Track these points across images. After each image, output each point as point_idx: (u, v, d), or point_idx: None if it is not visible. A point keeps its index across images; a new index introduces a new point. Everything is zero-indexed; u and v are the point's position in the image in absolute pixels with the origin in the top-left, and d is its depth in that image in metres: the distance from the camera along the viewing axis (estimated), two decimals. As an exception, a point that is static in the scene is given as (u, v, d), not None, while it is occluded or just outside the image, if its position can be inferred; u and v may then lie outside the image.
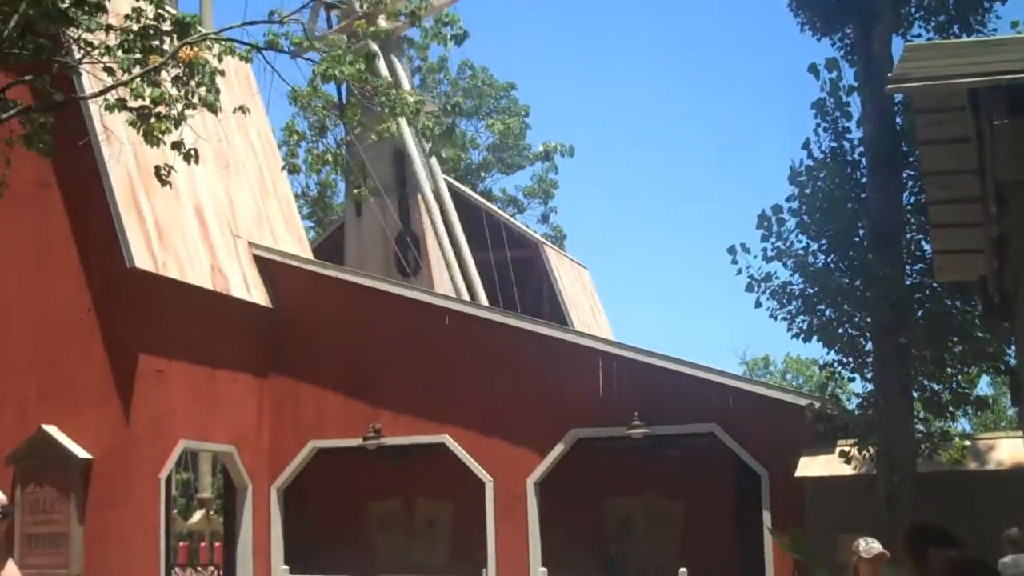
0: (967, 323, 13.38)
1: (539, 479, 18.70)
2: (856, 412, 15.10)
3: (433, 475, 20.37)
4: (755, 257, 13.95)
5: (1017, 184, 6.15)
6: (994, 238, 7.02)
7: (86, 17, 10.78)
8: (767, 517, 17.37)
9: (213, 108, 11.45)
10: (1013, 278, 6.57)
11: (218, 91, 11.51)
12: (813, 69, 14.23)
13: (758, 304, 13.98)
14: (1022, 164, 6.04)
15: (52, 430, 17.17)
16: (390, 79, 13.86)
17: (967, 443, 16.09)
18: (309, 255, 21.92)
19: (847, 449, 15.12)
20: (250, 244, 20.01)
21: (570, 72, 74.84)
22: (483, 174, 42.03)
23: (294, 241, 21.65)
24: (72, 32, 11.48)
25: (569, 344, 18.98)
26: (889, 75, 6.27)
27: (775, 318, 13.92)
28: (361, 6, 11.51)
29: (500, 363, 19.18)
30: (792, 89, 72.53)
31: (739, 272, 13.96)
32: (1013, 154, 6.01)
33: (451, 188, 27.07)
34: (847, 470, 15.59)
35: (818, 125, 14.30)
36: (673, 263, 78.03)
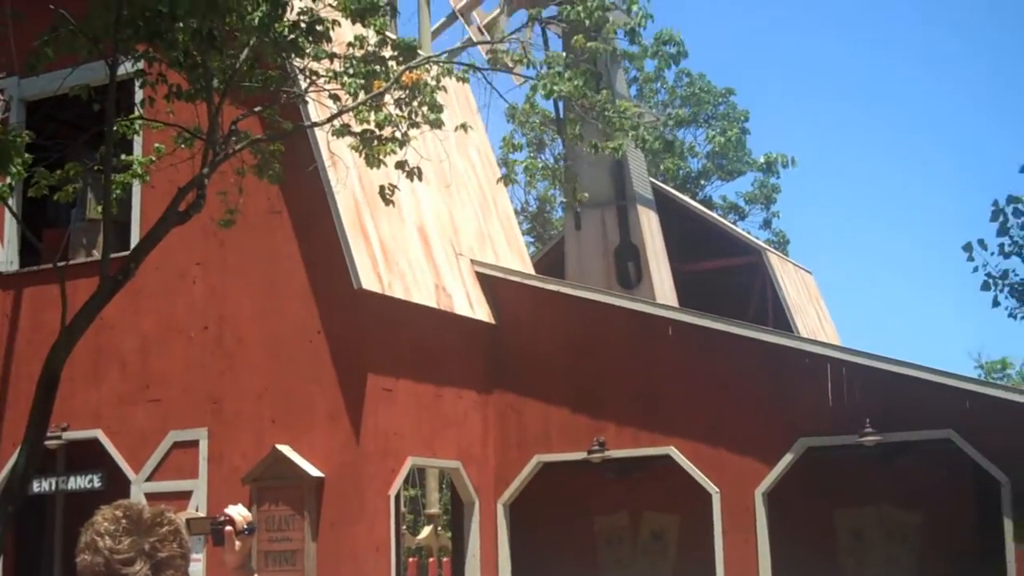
0: None
1: (767, 490, 18.38)
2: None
3: (659, 488, 20.25)
4: (992, 254, 13.47)
5: None
6: None
7: (312, 46, 11.12)
8: (1009, 526, 16.71)
9: (437, 125, 11.65)
10: None
11: (441, 108, 11.71)
12: None
13: (996, 303, 13.50)
14: None
15: (286, 449, 17.65)
16: (608, 93, 13.86)
17: None
18: (530, 270, 22.08)
19: (1095, 453, 14.48)
20: (472, 261, 20.27)
21: (792, 73, 73.81)
22: (703, 182, 41.76)
23: (515, 257, 21.84)
24: (298, 62, 11.84)
25: (794, 351, 18.63)
26: None
27: (1015, 317, 13.41)
28: (583, 22, 11.53)
29: (724, 372, 18.96)
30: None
31: (975, 270, 13.50)
32: None
33: (670, 197, 26.95)
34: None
35: None
36: (902, 264, 76.11)
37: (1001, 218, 13.45)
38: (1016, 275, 13.50)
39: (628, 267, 25.04)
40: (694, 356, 19.17)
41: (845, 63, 75.39)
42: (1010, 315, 13.43)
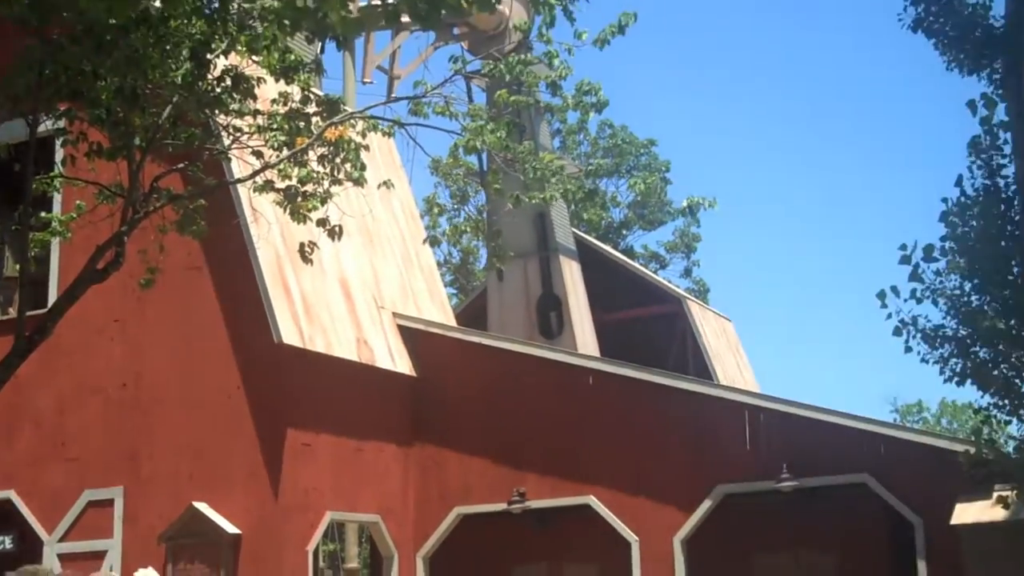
0: None
1: (686, 537, 18.57)
2: (1014, 456, 14.77)
3: (579, 537, 20.31)
4: (905, 300, 13.77)
5: None
6: None
7: (236, 103, 11.19)
8: (922, 567, 17.03)
9: (359, 183, 11.76)
10: None
11: (364, 166, 11.83)
12: (971, 105, 14.11)
13: (908, 348, 13.79)
14: None
15: (202, 507, 17.53)
16: (530, 145, 14.08)
17: None
18: (452, 322, 22.21)
19: (1005, 495, 14.80)
20: (394, 314, 20.34)
21: (710, 124, 74.83)
22: (624, 232, 42.24)
23: (438, 309, 21.95)
24: (222, 119, 11.90)
25: (714, 398, 18.90)
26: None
27: (927, 362, 13.70)
28: (504, 77, 11.75)
29: (644, 421, 19.16)
30: (936, 130, 71.58)
31: (889, 316, 13.79)
32: None
33: (592, 248, 27.24)
34: (1008, 516, 15.26)
35: (972, 163, 14.14)
36: (820, 311, 77.19)
37: (907, 260, 13.76)
38: (928, 321, 13.80)
39: (550, 317, 25.22)
40: (614, 405, 19.35)
41: (765, 111, 76.79)
42: (922, 360, 13.73)
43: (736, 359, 32.58)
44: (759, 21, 73.83)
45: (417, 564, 19.87)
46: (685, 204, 39.80)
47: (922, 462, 17.19)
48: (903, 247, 13.78)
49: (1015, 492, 14.40)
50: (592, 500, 19.09)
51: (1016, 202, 13.78)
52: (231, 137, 12.05)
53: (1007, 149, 13.96)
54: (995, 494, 15.26)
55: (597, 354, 23.57)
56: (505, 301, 25.41)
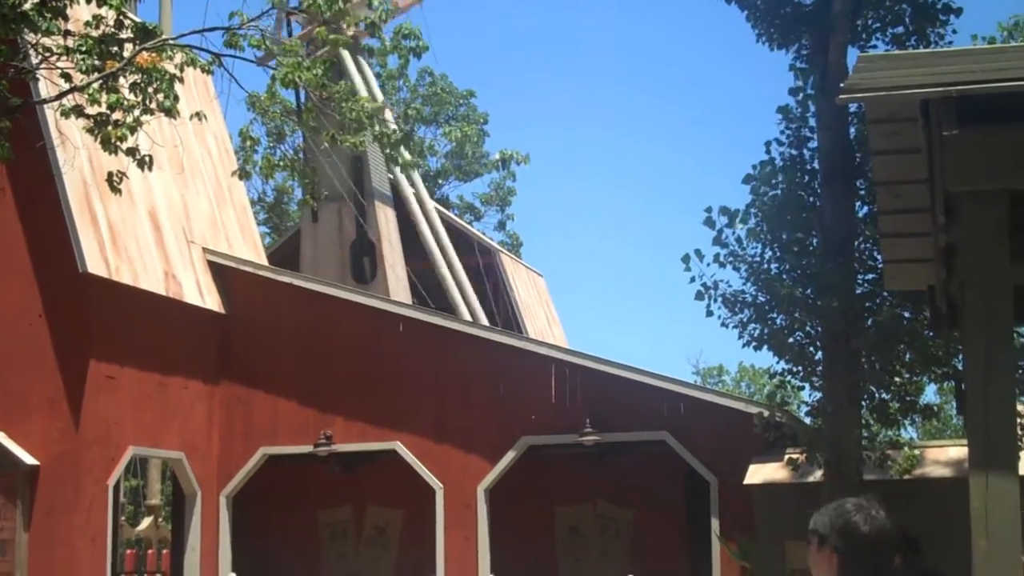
0: (916, 332, 13.58)
1: (489, 486, 18.79)
2: (805, 420, 15.29)
3: (384, 482, 20.41)
4: (708, 264, 14.05)
5: (965, 195, 6.30)
6: (942, 248, 7.18)
7: (46, 22, 10.79)
8: (716, 524, 17.55)
9: (171, 113, 11.48)
10: (960, 288, 6.73)
11: (176, 97, 11.55)
12: (794, 69, 14.42)
13: (709, 312, 14.10)
14: (970, 175, 6.20)
15: (-1, 436, 17.08)
16: (349, 84, 13.92)
17: (916, 452, 16.35)
18: (264, 261, 21.92)
19: (795, 457, 15.32)
20: (205, 250, 19.99)
21: (530, 80, 74.99)
22: (441, 181, 42.15)
23: (249, 247, 21.64)
24: (31, 37, 11.48)
25: (521, 351, 19.10)
26: (842, 85, 6.41)
27: (726, 326, 14.03)
28: (322, 13, 11.56)
29: (453, 370, 19.27)
30: (752, 97, 73.00)
31: (692, 280, 14.07)
32: (961, 165, 6.17)
33: (404, 195, 27.13)
34: (796, 478, 15.81)
35: (781, 131, 14.49)
36: (630, 270, 78.32)
37: (712, 224, 14.04)
38: (729, 286, 14.12)
39: (364, 262, 25.09)
40: (424, 353, 19.40)
41: (585, 71, 77.34)
42: (722, 324, 14.05)
43: (546, 314, 32.94)
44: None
45: (220, 503, 19.67)
46: (498, 157, 39.99)
47: (719, 423, 17.68)
48: (707, 210, 14.08)
49: (804, 455, 14.90)
50: (399, 446, 19.16)
51: (819, 174, 14.18)
52: (39, 57, 11.63)
53: (813, 122, 14.34)
54: (786, 456, 15.78)
55: (409, 301, 23.56)
56: (319, 243, 25.18)
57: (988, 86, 6.05)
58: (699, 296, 14.12)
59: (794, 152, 14.47)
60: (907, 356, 13.84)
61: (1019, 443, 13.99)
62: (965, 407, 6.32)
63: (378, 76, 39.89)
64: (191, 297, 19.16)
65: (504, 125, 69.66)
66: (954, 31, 14.63)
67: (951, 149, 6.14)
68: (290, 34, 24.09)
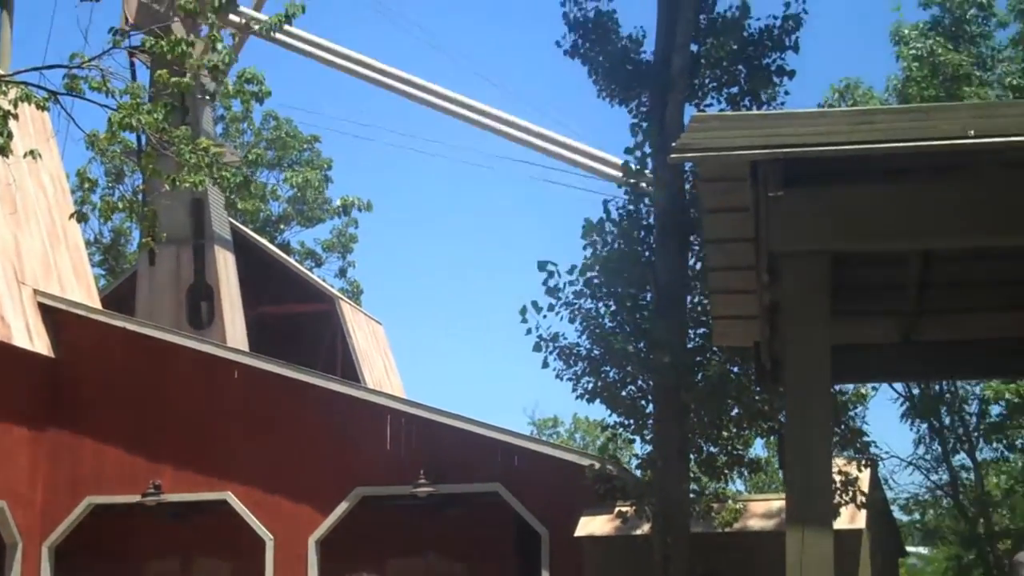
0: (744, 387, 13.92)
1: (321, 537, 18.61)
2: (636, 473, 15.51)
3: (214, 533, 20.03)
4: (544, 316, 14.23)
5: (788, 255, 6.51)
6: (766, 306, 7.40)
7: None
8: (546, 577, 17.63)
9: (4, 151, 11.22)
10: (782, 345, 6.94)
11: (11, 134, 11.29)
12: (633, 129, 14.71)
13: (545, 364, 14.26)
14: (793, 236, 6.40)
15: None
16: (187, 129, 13.78)
17: (739, 505, 16.71)
18: (97, 304, 21.47)
19: (625, 510, 15.51)
20: (36, 291, 19.52)
21: (377, 125, 74.89)
22: (283, 226, 41.83)
23: (83, 290, 21.17)
24: None
25: (357, 400, 19.03)
26: (674, 144, 6.58)
27: (561, 378, 14.22)
28: (164, 55, 11.46)
29: (289, 419, 19.08)
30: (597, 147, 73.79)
31: (528, 332, 14.23)
32: (785, 226, 6.37)
33: (247, 240, 26.92)
34: (625, 530, 16.00)
35: (620, 187, 14.76)
36: (470, 320, 78.49)
37: (548, 272, 14.22)
38: (565, 338, 14.32)
39: (201, 307, 24.73)
40: (259, 401, 19.18)
41: (421, 122, 77.76)
42: (557, 376, 14.24)
43: (384, 362, 32.85)
44: (437, 25, 74.68)
45: (43, 554, 19.09)
46: (340, 203, 39.94)
47: (552, 475, 17.81)
48: (543, 265, 14.26)
49: (633, 508, 15.10)
50: (229, 496, 18.87)
51: (655, 229, 14.49)
52: None
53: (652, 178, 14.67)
54: (616, 509, 15.97)
55: (246, 348, 23.29)
56: (155, 286, 24.73)
57: (813, 149, 6.25)
58: (537, 348, 14.28)
59: (632, 208, 14.77)
60: (735, 410, 14.19)
61: (837, 498, 14.46)
62: (786, 460, 6.50)
63: (222, 119, 39.57)
64: (19, 340, 18.67)
65: (349, 171, 69.58)
66: (787, 92, 15.19)
67: (776, 210, 6.33)
68: (134, 75, 23.73)
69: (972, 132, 6.02)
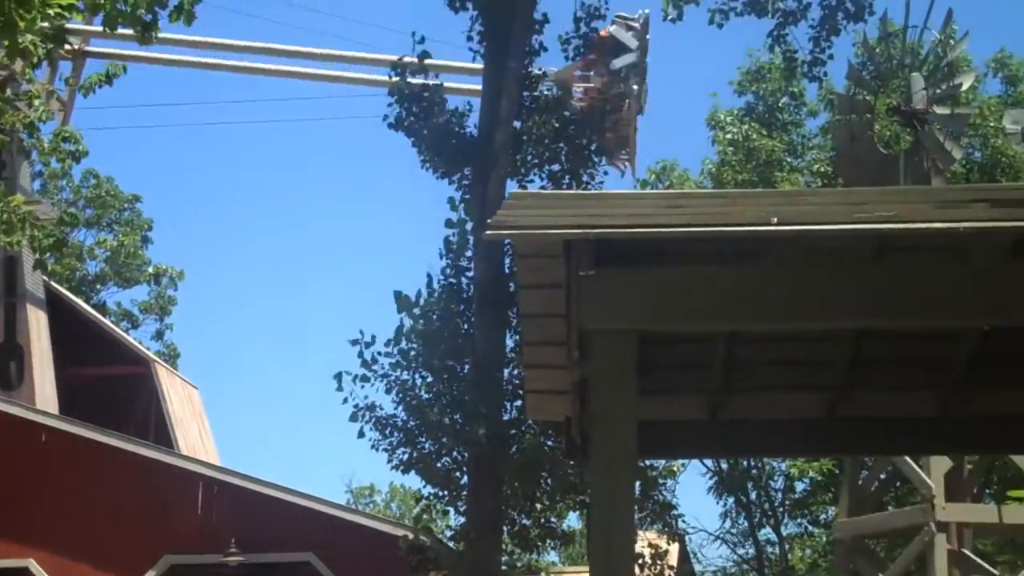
0: (557, 460, 14.06)
1: (122, 608, 18.16)
2: (450, 544, 15.48)
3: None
4: (361, 386, 14.21)
5: (597, 332, 6.66)
6: (576, 382, 7.53)
7: None
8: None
9: None
10: (590, 420, 7.07)
11: None
12: (452, 204, 14.83)
13: (361, 434, 14.21)
14: (601, 314, 6.55)
15: None
16: (3, 185, 13.46)
17: (552, 577, 16.84)
18: None
19: (439, 582, 15.48)
20: None
21: (200, 187, 74.04)
22: (99, 286, 40.88)
23: None
24: None
25: (169, 466, 18.71)
26: (489, 221, 6.69)
27: (376, 449, 14.17)
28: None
29: (97, 484, 18.64)
30: (417, 221, 74.31)
31: (345, 401, 14.19)
32: (594, 304, 6.51)
33: (61, 299, 26.25)
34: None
35: (441, 258, 14.87)
36: (288, 387, 77.61)
37: (362, 344, 14.23)
38: (382, 409, 14.30)
39: (10, 367, 24.01)
40: (68, 466, 18.71)
41: (253, 185, 77.19)
42: (373, 447, 14.19)
43: (200, 428, 32.27)
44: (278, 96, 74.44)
45: None
46: (151, 272, 39.48)
47: (365, 545, 17.71)
48: (356, 340, 14.31)
49: (445, 578, 15.08)
50: (32, 564, 18.31)
51: (474, 302, 14.63)
52: None
53: (472, 252, 14.83)
54: (430, 579, 15.92)
55: (56, 410, 22.65)
56: (-39, 346, 23.95)
57: (624, 231, 6.43)
58: (353, 418, 14.24)
59: (452, 281, 14.88)
60: (548, 483, 14.32)
61: (647, 571, 14.69)
62: (591, 534, 6.61)
63: (39, 175, 38.65)
64: None
65: (170, 232, 68.57)
66: (605, 172, 15.59)
67: (586, 289, 6.48)
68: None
69: (775, 220, 6.26)
